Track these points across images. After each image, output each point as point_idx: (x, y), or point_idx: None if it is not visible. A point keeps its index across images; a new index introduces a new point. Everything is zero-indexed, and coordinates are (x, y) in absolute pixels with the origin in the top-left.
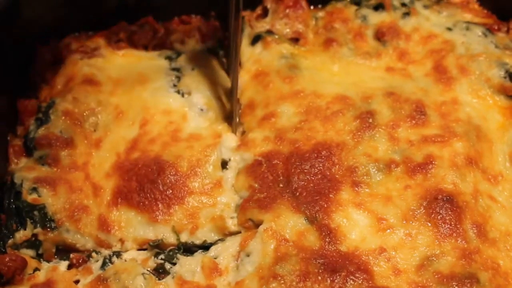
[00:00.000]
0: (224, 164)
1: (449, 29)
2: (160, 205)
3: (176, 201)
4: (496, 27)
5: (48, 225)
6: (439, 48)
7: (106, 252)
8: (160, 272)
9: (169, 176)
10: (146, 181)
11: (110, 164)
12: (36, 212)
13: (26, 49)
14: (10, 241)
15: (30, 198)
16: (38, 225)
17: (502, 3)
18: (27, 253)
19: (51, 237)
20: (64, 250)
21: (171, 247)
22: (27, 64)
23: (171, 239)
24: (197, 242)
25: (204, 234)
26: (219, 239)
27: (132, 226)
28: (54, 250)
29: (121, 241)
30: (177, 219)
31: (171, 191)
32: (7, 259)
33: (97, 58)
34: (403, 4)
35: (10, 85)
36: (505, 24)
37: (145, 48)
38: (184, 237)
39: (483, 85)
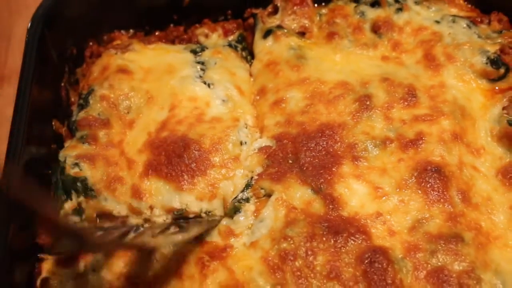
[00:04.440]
0: (241, 143)
1: (437, 22)
2: (185, 176)
3: (199, 172)
4: (479, 20)
5: (89, 194)
6: (428, 39)
7: (137, 220)
8: None
9: (193, 151)
10: (173, 156)
11: (142, 142)
12: (79, 184)
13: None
14: (61, 212)
15: (73, 172)
16: (82, 195)
17: None
18: (74, 219)
19: (92, 204)
20: (102, 216)
21: (193, 215)
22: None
23: (194, 207)
24: (217, 212)
25: (219, 205)
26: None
27: (161, 194)
28: (95, 216)
29: (151, 208)
30: (200, 188)
31: (195, 164)
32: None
33: (130, 53)
34: (396, 1)
35: (56, 78)
36: (487, 17)
37: (173, 42)
38: (205, 206)
39: (467, 71)
